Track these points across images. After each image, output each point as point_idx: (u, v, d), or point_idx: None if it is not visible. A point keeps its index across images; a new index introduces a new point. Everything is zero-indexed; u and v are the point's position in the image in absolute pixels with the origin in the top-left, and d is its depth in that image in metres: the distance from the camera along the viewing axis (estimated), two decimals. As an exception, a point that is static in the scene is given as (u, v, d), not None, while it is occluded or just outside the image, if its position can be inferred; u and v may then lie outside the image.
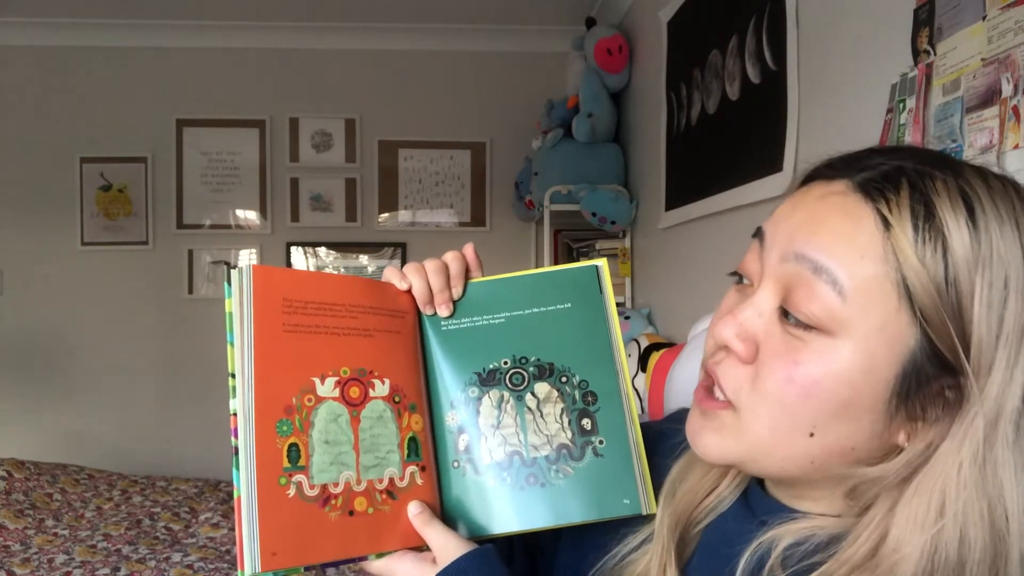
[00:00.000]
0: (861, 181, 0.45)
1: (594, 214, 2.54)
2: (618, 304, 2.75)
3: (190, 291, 3.23)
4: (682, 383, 1.61)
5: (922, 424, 0.44)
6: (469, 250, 0.64)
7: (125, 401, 3.21)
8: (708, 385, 0.51)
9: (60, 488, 2.28)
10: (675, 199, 2.14)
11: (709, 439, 0.50)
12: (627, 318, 2.39)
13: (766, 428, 0.46)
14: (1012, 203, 0.43)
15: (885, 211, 0.43)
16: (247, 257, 3.28)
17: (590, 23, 2.73)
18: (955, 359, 0.42)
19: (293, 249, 3.28)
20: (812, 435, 0.45)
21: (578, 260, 2.83)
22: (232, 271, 0.52)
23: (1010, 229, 0.42)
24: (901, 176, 0.44)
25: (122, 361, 3.21)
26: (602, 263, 0.63)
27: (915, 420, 0.44)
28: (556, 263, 2.91)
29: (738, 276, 0.52)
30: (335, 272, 3.28)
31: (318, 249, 3.30)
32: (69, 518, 2.11)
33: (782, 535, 0.47)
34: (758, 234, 0.50)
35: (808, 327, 0.44)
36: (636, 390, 2.03)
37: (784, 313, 0.46)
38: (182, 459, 3.12)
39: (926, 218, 0.42)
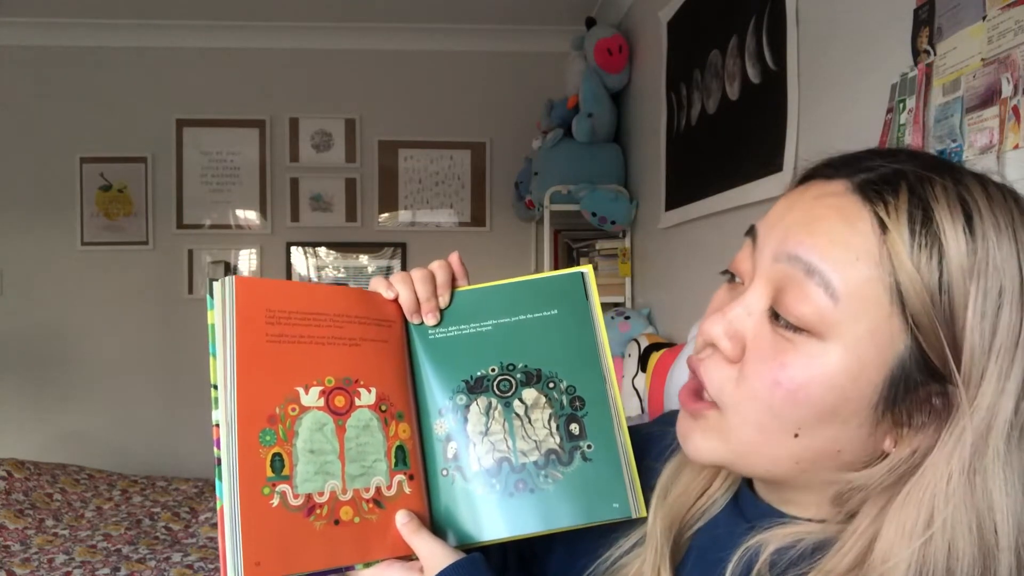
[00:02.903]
0: (860, 183, 0.44)
1: (594, 214, 2.54)
2: (618, 304, 2.74)
3: (190, 291, 3.23)
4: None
5: (908, 430, 0.43)
6: (455, 259, 0.64)
7: (125, 401, 3.21)
8: (692, 387, 0.51)
9: (60, 488, 2.27)
10: (675, 199, 2.13)
11: (697, 440, 0.50)
12: (627, 318, 2.38)
13: (751, 428, 0.46)
14: (1011, 213, 0.42)
15: (883, 214, 0.42)
16: (247, 257, 3.28)
17: (590, 23, 2.73)
18: (944, 367, 0.41)
19: (293, 249, 3.28)
20: (797, 436, 0.45)
21: (578, 260, 2.83)
22: (214, 284, 0.51)
23: (1007, 239, 0.41)
24: (901, 180, 0.43)
25: (122, 361, 3.21)
26: (587, 269, 0.63)
27: (901, 426, 0.43)
28: (556, 263, 2.91)
29: (730, 274, 0.51)
30: (334, 272, 3.29)
31: (318, 249, 3.29)
32: (69, 518, 2.11)
33: (769, 540, 0.47)
34: (751, 232, 0.50)
35: (798, 329, 0.44)
36: (636, 390, 2.03)
37: (774, 314, 0.45)
38: (182, 459, 3.12)
39: (923, 223, 0.41)
